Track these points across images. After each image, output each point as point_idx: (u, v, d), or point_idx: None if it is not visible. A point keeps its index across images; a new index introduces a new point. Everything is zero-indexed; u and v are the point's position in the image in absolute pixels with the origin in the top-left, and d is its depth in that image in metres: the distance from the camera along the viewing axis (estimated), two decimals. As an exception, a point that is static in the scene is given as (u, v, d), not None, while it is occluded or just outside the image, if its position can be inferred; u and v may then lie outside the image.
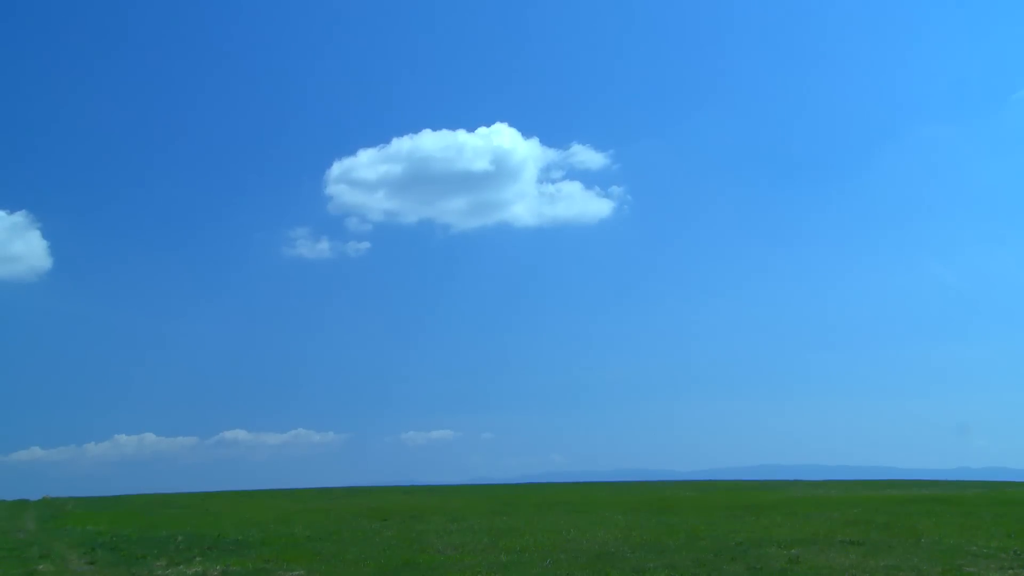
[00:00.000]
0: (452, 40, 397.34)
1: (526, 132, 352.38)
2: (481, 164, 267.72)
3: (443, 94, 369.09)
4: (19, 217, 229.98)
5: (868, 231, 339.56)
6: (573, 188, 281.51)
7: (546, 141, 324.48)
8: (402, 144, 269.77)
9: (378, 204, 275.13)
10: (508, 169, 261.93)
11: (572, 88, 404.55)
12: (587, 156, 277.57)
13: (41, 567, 18.51)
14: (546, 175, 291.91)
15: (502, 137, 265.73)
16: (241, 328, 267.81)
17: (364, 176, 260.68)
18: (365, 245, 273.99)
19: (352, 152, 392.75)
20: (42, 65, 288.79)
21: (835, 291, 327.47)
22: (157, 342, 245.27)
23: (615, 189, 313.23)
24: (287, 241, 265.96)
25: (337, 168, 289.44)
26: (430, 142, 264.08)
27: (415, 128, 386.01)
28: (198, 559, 18.87)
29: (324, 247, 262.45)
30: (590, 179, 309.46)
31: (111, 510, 39.91)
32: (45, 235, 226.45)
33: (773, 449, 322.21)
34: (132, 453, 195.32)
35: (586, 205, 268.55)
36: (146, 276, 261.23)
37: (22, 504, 49.20)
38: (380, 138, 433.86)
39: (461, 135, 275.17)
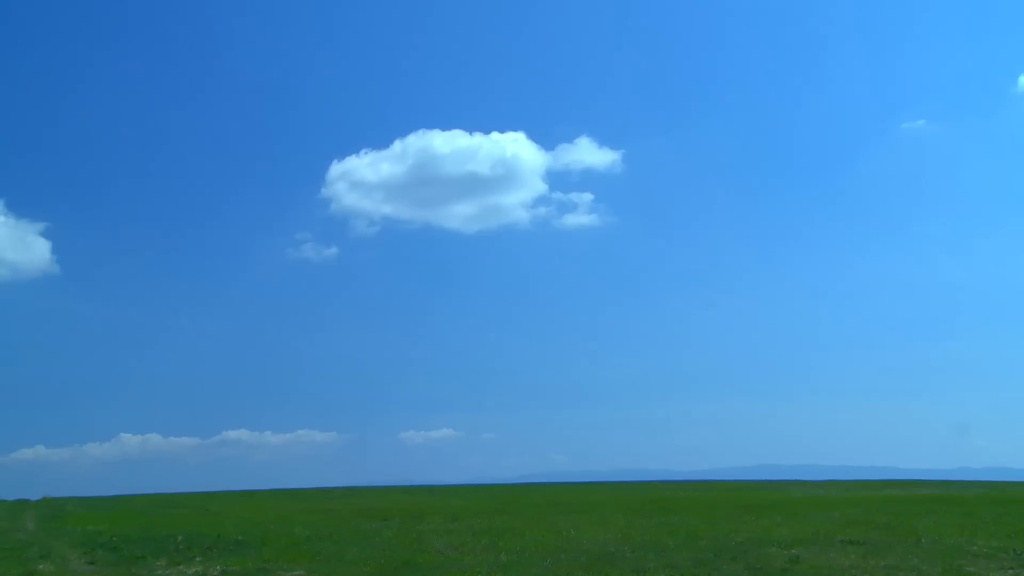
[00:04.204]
0: (461, 42, 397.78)
1: (531, 136, 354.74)
2: (485, 168, 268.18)
3: (448, 96, 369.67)
4: (24, 219, 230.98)
5: (867, 231, 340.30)
6: (573, 190, 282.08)
7: (549, 145, 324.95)
8: (405, 145, 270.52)
9: (380, 205, 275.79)
10: (511, 173, 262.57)
11: (575, 92, 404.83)
12: (590, 158, 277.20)
13: (41, 567, 18.48)
14: (548, 178, 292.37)
15: (507, 141, 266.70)
16: (243, 329, 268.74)
17: (367, 177, 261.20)
18: (367, 246, 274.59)
19: (355, 153, 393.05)
20: (43, 69, 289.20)
21: (835, 291, 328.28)
22: (160, 343, 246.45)
23: (615, 191, 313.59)
24: (291, 243, 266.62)
25: (339, 169, 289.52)
26: (434, 144, 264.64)
27: (419, 130, 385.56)
28: (198, 559, 18.86)
29: (326, 249, 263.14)
30: (591, 181, 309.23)
31: (111, 510, 39.91)
32: (50, 238, 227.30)
33: (773, 449, 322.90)
34: (133, 453, 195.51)
35: (587, 206, 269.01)
36: (149, 278, 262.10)
37: (22, 504, 49.23)
38: (383, 139, 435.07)
39: (465, 138, 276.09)
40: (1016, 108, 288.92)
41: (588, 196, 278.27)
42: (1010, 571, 15.12)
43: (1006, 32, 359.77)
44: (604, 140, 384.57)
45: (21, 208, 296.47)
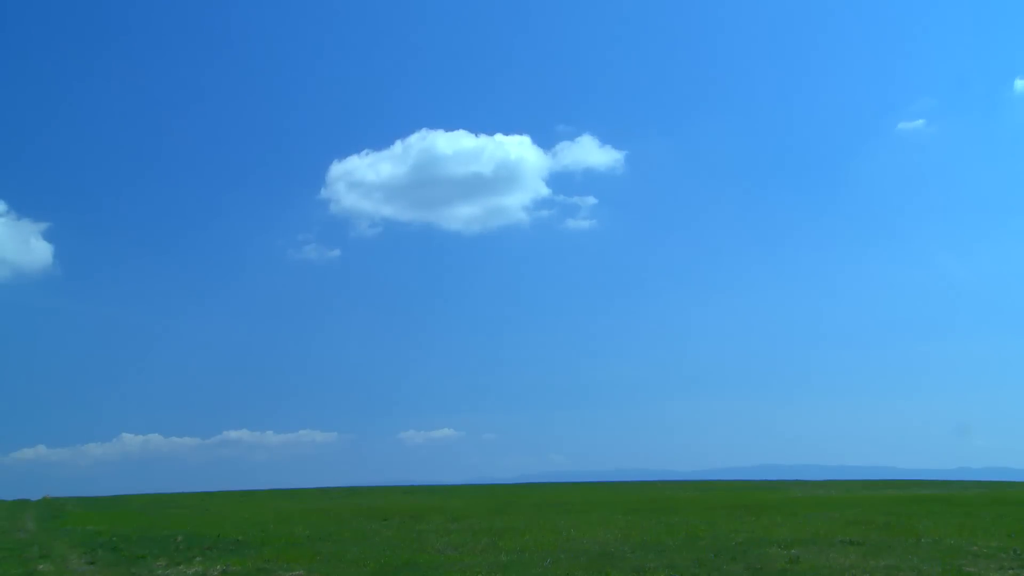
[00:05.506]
0: (464, 41, 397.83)
1: (535, 138, 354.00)
2: (487, 169, 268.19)
3: (450, 97, 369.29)
4: (26, 219, 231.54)
5: (867, 230, 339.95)
6: (576, 192, 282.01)
7: (553, 147, 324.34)
8: (406, 146, 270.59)
9: (381, 205, 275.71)
10: (513, 175, 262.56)
11: (579, 93, 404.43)
12: (593, 159, 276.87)
13: (41, 567, 18.49)
14: (551, 180, 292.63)
15: (510, 143, 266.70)
16: (244, 329, 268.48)
17: (367, 178, 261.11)
18: (368, 247, 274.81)
19: (355, 153, 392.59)
20: (44, 69, 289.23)
21: (835, 291, 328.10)
22: (161, 344, 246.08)
23: (617, 192, 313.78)
24: (293, 244, 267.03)
25: (339, 169, 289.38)
26: (436, 145, 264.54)
27: (420, 130, 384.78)
28: (198, 559, 18.85)
29: (327, 249, 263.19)
30: (593, 182, 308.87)
31: (111, 510, 39.92)
32: (52, 238, 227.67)
33: (773, 449, 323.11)
34: (133, 453, 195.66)
35: (589, 208, 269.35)
36: (150, 278, 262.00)
37: (22, 504, 49.22)
38: (384, 139, 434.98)
39: (466, 139, 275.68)
40: (1013, 110, 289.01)
41: (591, 199, 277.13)
42: (1010, 571, 15.11)
43: (1003, 33, 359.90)
44: (607, 140, 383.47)
45: (23, 208, 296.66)
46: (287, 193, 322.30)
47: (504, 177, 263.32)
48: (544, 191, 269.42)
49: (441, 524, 26.50)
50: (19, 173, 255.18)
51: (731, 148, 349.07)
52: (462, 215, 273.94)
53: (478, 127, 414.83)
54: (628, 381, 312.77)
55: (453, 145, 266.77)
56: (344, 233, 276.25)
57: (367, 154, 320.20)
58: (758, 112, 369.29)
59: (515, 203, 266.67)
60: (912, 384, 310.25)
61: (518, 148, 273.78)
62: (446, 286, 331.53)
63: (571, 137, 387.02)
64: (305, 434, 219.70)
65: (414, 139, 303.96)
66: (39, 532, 28.53)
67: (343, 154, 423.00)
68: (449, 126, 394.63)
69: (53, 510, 40.89)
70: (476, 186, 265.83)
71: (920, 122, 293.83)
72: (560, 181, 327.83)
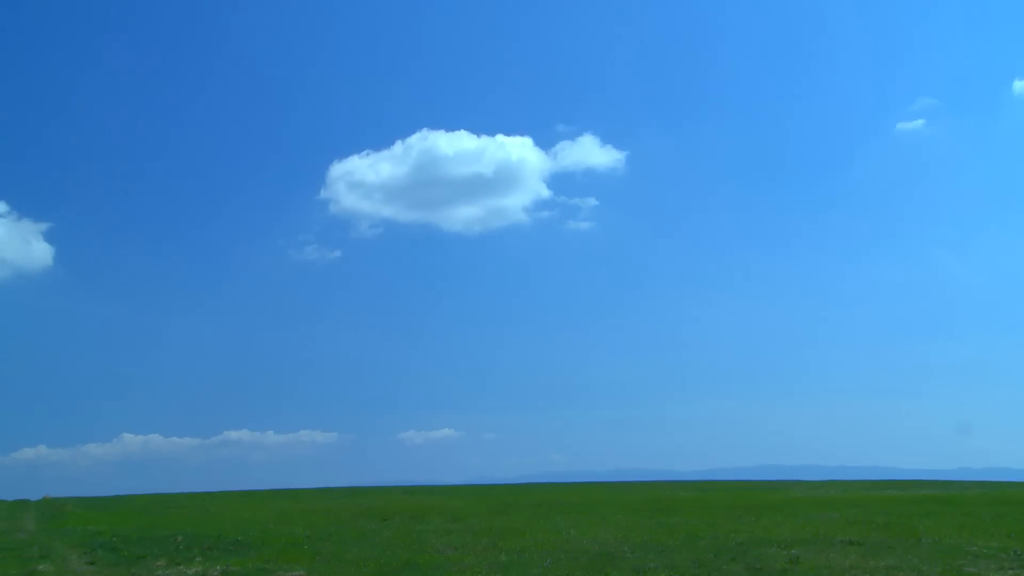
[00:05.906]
0: (466, 41, 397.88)
1: (536, 139, 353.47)
2: (488, 170, 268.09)
3: (451, 98, 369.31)
4: (26, 220, 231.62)
5: (867, 231, 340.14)
6: (576, 193, 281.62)
7: (554, 147, 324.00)
8: (405, 146, 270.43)
9: (381, 206, 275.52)
10: (514, 175, 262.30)
11: (581, 94, 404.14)
12: (594, 159, 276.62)
13: (41, 567, 18.49)
14: (552, 180, 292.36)
15: (512, 144, 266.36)
16: (244, 330, 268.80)
17: (368, 178, 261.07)
18: (368, 247, 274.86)
19: (356, 153, 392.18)
20: (43, 69, 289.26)
21: (835, 291, 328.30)
22: (162, 344, 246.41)
23: (617, 193, 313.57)
24: (293, 244, 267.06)
25: (339, 169, 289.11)
26: (437, 146, 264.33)
27: (421, 130, 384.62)
28: (198, 559, 18.86)
29: (327, 249, 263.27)
30: (594, 183, 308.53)
31: (111, 510, 39.91)
32: (52, 238, 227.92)
33: (773, 449, 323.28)
34: (133, 453, 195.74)
35: (590, 209, 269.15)
36: (151, 278, 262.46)
37: (22, 504, 49.20)
38: (384, 140, 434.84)
39: (467, 140, 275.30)
40: (1013, 110, 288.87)
41: (591, 200, 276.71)
42: (1010, 571, 15.12)
43: (1003, 34, 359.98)
44: (608, 140, 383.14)
45: (23, 208, 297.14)
46: (287, 193, 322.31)
47: (505, 178, 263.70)
48: (545, 192, 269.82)
49: (441, 524, 26.50)
50: (20, 173, 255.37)
51: (731, 148, 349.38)
52: (463, 216, 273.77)
53: (479, 128, 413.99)
54: (628, 381, 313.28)
55: (454, 146, 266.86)
56: (344, 234, 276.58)
57: (367, 154, 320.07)
58: (758, 112, 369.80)
59: (516, 204, 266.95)
60: (912, 384, 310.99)
61: (519, 149, 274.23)
62: (446, 287, 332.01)
63: (572, 137, 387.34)
64: (305, 434, 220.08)
65: (415, 139, 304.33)
66: (39, 532, 28.53)
67: (343, 154, 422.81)
68: (450, 126, 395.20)
69: (53, 510, 40.88)
70: (477, 187, 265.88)
71: (920, 122, 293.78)
72: (561, 182, 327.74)
